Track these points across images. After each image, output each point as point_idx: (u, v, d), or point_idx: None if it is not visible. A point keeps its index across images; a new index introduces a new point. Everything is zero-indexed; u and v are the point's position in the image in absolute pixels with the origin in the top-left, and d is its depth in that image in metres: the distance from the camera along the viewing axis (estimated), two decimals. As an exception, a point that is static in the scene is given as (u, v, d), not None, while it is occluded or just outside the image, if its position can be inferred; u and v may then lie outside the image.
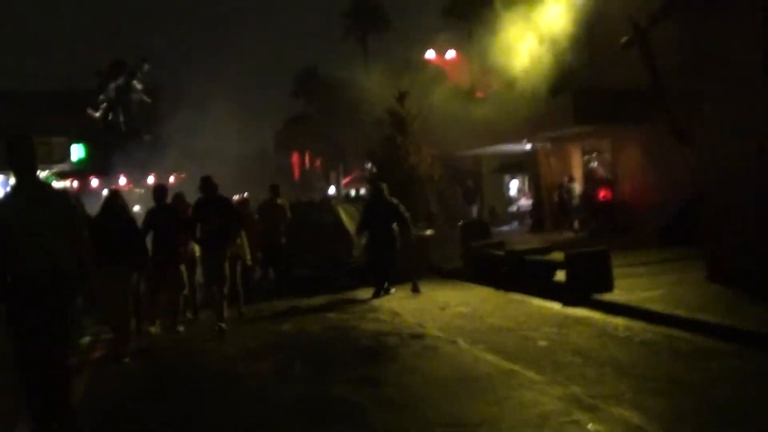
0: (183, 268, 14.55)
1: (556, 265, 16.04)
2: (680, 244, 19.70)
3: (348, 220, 20.16)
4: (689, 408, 7.72)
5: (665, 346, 10.46)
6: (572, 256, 15.35)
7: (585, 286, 14.57)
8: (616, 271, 14.97)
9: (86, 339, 13.79)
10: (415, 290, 17.52)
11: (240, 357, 11.71)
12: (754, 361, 9.55)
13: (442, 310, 14.77)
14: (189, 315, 15.60)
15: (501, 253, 18.21)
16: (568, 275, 15.17)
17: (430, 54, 39.10)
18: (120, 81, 42.33)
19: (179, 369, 11.40)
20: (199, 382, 10.39)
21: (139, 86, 42.96)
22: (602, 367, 9.44)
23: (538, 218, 31.87)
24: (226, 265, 14.16)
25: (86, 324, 14.66)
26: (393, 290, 17.60)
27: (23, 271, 6.83)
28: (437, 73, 39.22)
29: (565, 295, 14.67)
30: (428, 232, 20.75)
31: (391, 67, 41.95)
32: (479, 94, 35.63)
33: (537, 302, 15.01)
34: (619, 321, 12.42)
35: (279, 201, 19.32)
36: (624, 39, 22.59)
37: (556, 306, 14.34)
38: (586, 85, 25.76)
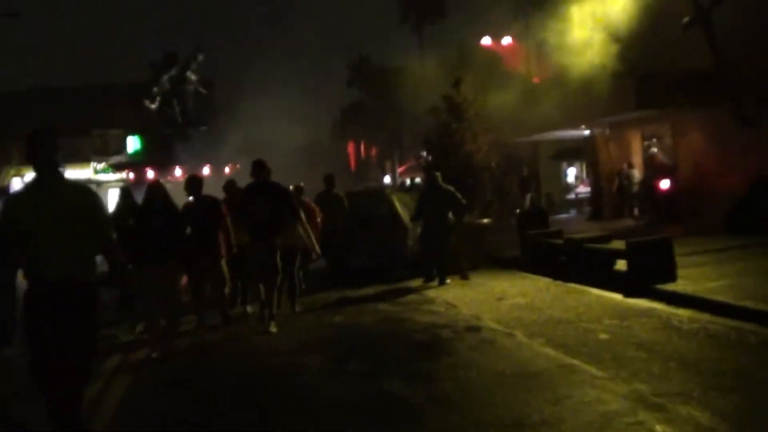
0: (223, 262, 13.62)
1: (616, 254, 15.51)
2: (745, 232, 19.11)
3: (402, 209, 19.80)
4: (761, 407, 7.28)
5: (733, 340, 9.97)
6: (633, 244, 14.83)
7: (647, 276, 14.07)
8: (679, 261, 14.45)
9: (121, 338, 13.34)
10: (464, 278, 17.35)
11: (291, 351, 11.38)
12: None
13: (498, 301, 14.38)
14: (237, 308, 15.08)
15: (559, 241, 17.74)
16: (629, 265, 14.65)
17: (486, 40, 38.55)
18: (174, 72, 42.26)
19: (225, 366, 11.02)
20: (248, 378, 10.05)
21: (193, 77, 42.87)
22: (667, 362, 8.98)
23: (596, 206, 31.25)
24: (277, 256, 12.97)
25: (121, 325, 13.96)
26: (449, 280, 17.22)
27: (41, 278, 6.18)
28: (493, 59, 38.75)
29: (626, 285, 14.18)
30: (485, 220, 20.33)
31: (446, 55, 41.68)
32: (536, 80, 35.06)
33: (597, 293, 14.53)
34: (683, 313, 11.93)
35: (335, 192, 18.89)
36: (686, 19, 22.04)
37: (616, 297, 13.86)
38: (647, 68, 25.08)
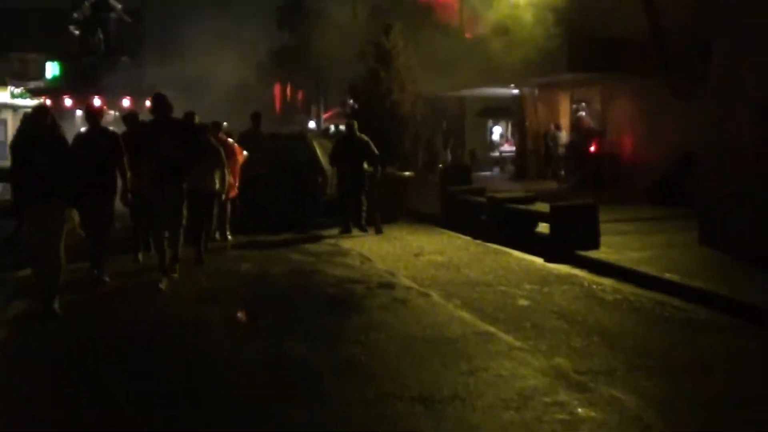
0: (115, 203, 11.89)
1: (539, 217, 14.94)
2: (669, 203, 18.77)
3: (324, 155, 19.02)
4: (686, 391, 6.74)
5: (658, 315, 9.45)
6: (557, 208, 14.29)
7: (569, 241, 13.55)
8: (603, 227, 13.93)
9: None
10: (378, 232, 16.81)
11: (189, 302, 10.54)
12: (754, 338, 8.57)
13: (415, 257, 13.71)
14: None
15: (481, 199, 17.11)
16: (552, 228, 14.12)
17: (422, -9, 37.64)
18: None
19: (114, 318, 9.95)
20: (135, 332, 9.12)
21: (117, 5, 41.17)
22: (590, 335, 8.41)
23: (520, 165, 30.71)
24: (183, 205, 11.43)
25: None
26: (369, 231, 16.76)
27: None
28: (426, 11, 37.91)
29: (548, 249, 13.65)
30: (406, 173, 19.58)
31: (379, 2, 40.68)
32: (468, 35, 34.31)
33: (517, 255, 13.97)
34: (606, 282, 11.41)
35: (262, 131, 17.91)
36: (626, -17, 21.49)
37: (537, 261, 13.32)
38: (582, 31, 24.47)
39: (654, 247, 13.38)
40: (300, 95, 67.80)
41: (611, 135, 25.71)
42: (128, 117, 14.34)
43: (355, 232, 16.69)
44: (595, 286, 11.10)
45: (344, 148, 17.28)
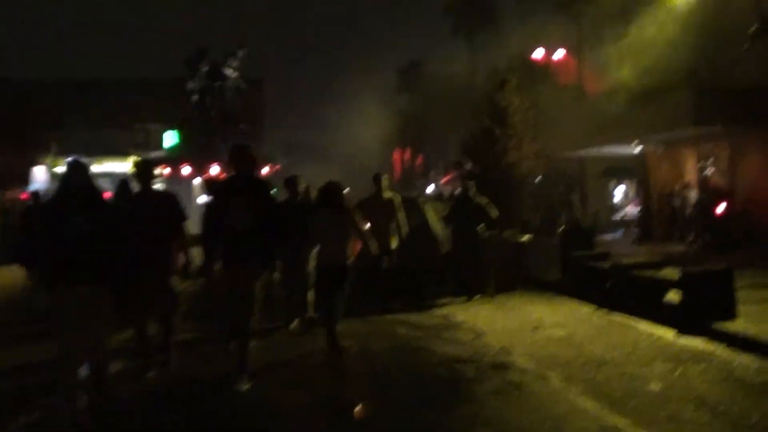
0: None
1: (669, 284, 13.54)
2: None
3: (436, 221, 18.01)
4: None
5: (814, 402, 8.08)
6: (689, 274, 12.91)
7: (703, 311, 12.19)
8: (739, 295, 12.50)
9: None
10: (489, 295, 16.06)
11: (280, 382, 9.60)
12: None
13: (533, 332, 12.47)
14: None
15: (605, 265, 15.80)
16: (683, 297, 12.72)
17: (539, 53, 36.78)
18: (208, 67, 40.73)
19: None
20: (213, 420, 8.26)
21: (233, 73, 41.28)
22: (735, 428, 7.11)
23: (645, 227, 29.06)
24: (255, 286, 9.11)
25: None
26: (478, 296, 15.86)
27: None
28: (545, 72, 37.05)
29: (679, 320, 12.27)
30: (524, 237, 18.39)
31: (497, 65, 39.97)
32: (588, 92, 33.15)
33: (645, 327, 12.61)
34: (747, 360, 10.03)
35: (386, 195, 15.17)
36: (753, 27, 20.17)
37: (668, 334, 11.96)
38: (706, 83, 23.08)
39: (799, 317, 11.92)
40: (419, 159, 67.23)
41: (742, 193, 24.01)
42: (211, 183, 13.03)
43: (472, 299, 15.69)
44: (735, 365, 9.74)
45: (459, 210, 16.48)
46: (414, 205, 18.49)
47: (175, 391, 9.16)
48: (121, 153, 41.42)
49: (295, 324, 12.81)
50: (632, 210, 33.71)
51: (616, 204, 37.79)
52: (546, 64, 37.12)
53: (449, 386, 9.05)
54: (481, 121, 19.19)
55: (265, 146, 43.53)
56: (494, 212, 16.28)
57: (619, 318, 13.51)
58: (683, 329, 11.95)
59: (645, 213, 29.39)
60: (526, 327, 12.86)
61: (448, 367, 9.97)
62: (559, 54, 36.52)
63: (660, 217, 28.03)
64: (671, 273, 13.85)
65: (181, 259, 9.88)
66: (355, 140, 68.97)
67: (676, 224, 26.81)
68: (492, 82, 25.62)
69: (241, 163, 9.20)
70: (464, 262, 16.30)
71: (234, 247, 9.02)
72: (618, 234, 32.48)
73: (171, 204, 9.90)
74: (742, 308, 12.25)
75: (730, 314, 12.12)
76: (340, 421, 7.96)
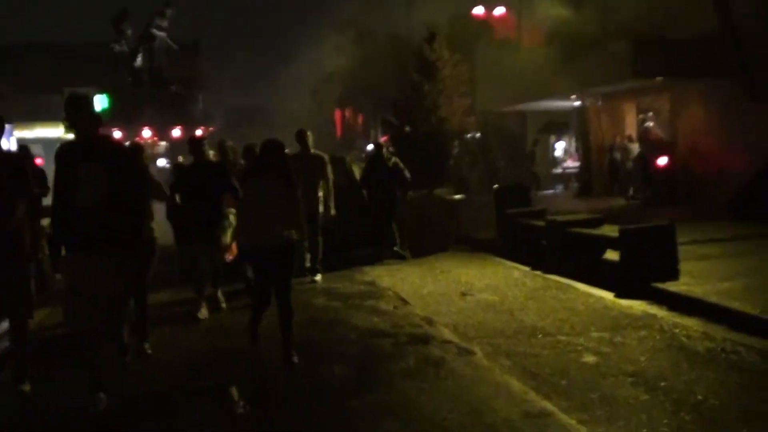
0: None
1: (607, 243, 12.61)
2: (754, 218, 16.31)
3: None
4: None
5: (765, 372, 7.17)
6: (628, 232, 11.96)
7: (644, 271, 11.29)
8: (681, 251, 11.60)
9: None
10: (400, 257, 15.43)
11: (167, 370, 8.33)
12: None
13: (461, 297, 11.43)
14: None
15: (540, 223, 14.81)
16: (622, 256, 11.80)
17: (479, 10, 35.77)
18: (131, 30, 39.11)
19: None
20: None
21: (161, 33, 39.54)
22: (679, 411, 6.16)
23: (585, 182, 28.14)
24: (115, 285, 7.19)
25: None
26: (407, 255, 15.34)
27: None
28: (485, 29, 36.10)
29: (619, 281, 11.36)
30: (456, 196, 17.36)
31: (437, 22, 38.97)
32: (526, 46, 32.13)
33: (583, 289, 11.67)
34: (691, 324, 9.13)
35: (313, 152, 13.52)
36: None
37: (607, 296, 11.03)
38: (646, 33, 22.10)
39: (745, 275, 11.07)
40: (360, 119, 65.98)
41: (683, 146, 23.16)
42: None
43: (393, 261, 14.83)
44: (678, 331, 8.82)
45: (372, 171, 15.71)
46: (342, 165, 17.35)
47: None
48: (52, 117, 40.32)
49: (203, 311, 10.57)
50: (572, 164, 32.82)
51: (557, 158, 36.91)
52: (486, 21, 36.21)
53: (358, 367, 7.84)
54: (410, 76, 17.83)
55: (197, 108, 41.90)
56: (407, 173, 15.62)
57: (554, 280, 12.55)
58: (622, 291, 11.08)
59: (584, 167, 28.42)
60: (454, 292, 11.83)
61: (360, 344, 8.81)
62: (500, 11, 35.62)
63: (600, 171, 27.15)
64: (610, 230, 12.95)
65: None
66: (296, 102, 67.77)
67: (617, 178, 25.95)
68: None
69: (79, 120, 6.90)
70: (380, 221, 15.51)
71: (76, 229, 6.80)
72: (557, 189, 31.64)
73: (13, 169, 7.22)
74: (684, 266, 11.38)
75: (673, 274, 11.24)
76: (234, 408, 6.81)
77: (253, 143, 11.59)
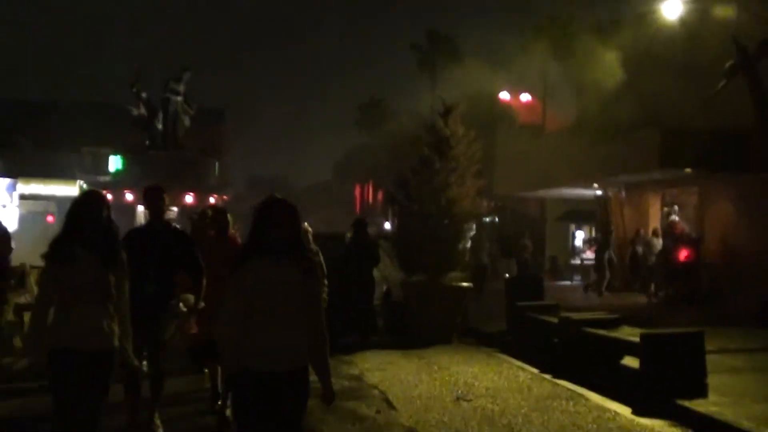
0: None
1: (626, 347, 11.10)
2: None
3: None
4: None
5: None
6: (651, 338, 10.47)
7: (667, 383, 9.75)
8: (708, 361, 10.07)
9: None
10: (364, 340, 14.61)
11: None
12: None
13: (455, 403, 9.89)
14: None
15: (553, 320, 13.30)
16: (643, 365, 10.28)
17: (504, 95, 35.03)
18: (145, 95, 38.21)
19: None
20: None
21: (176, 98, 38.55)
22: None
23: (602, 275, 26.56)
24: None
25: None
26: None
27: None
28: (509, 112, 35.21)
29: (638, 394, 9.83)
30: (464, 284, 15.86)
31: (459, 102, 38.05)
32: (549, 131, 31.05)
33: (595, 401, 10.13)
34: (723, 457, 7.58)
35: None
36: (729, 63, 18.08)
37: (623, 412, 9.51)
38: (674, 123, 20.83)
39: (781, 393, 9.55)
40: (380, 196, 65.04)
41: (710, 242, 21.66)
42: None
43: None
44: (709, 466, 7.28)
45: (352, 253, 15.04)
46: (342, 243, 15.97)
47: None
48: (68, 176, 40.10)
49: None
50: (591, 255, 31.29)
51: (576, 248, 35.41)
52: (510, 106, 35.41)
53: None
54: (421, 151, 16.40)
55: (212, 176, 41.03)
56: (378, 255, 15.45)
57: (565, 387, 11.01)
58: (641, 407, 9.55)
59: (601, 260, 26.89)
60: (449, 395, 10.30)
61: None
62: (526, 97, 34.82)
63: (621, 264, 25.62)
64: (629, 333, 11.47)
65: None
66: (316, 175, 67.49)
67: (638, 274, 24.38)
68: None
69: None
70: (359, 306, 14.82)
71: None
72: (575, 282, 30.09)
73: None
74: (712, 380, 9.90)
75: (700, 390, 9.72)
76: None
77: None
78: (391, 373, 11.70)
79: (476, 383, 11.14)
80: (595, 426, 8.80)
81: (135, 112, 38.44)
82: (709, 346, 10.67)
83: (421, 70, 53.29)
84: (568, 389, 10.87)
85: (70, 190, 39.89)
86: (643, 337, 10.48)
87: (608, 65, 22.26)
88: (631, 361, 10.82)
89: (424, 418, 9.01)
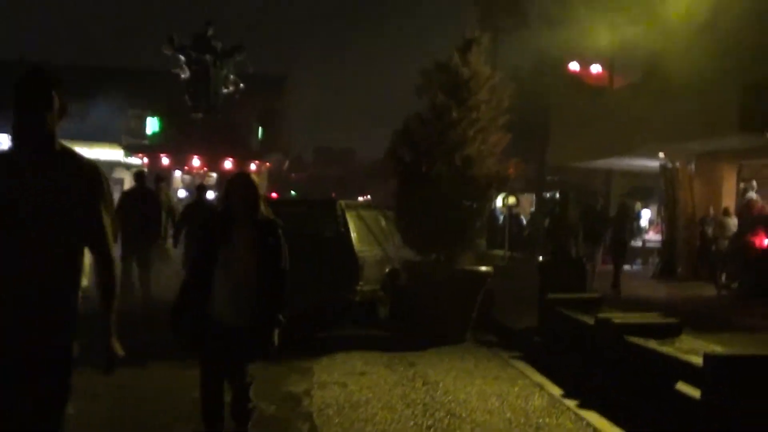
0: None
1: (682, 370, 7.60)
2: None
3: (358, 234, 12.29)
4: None
5: None
6: (719, 361, 6.98)
7: (738, 425, 6.37)
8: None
9: None
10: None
11: None
12: None
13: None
14: None
15: (589, 320, 9.80)
16: (705, 397, 6.85)
17: (574, 66, 31.82)
18: (194, 55, 35.20)
19: None
20: None
21: (206, 56, 35.18)
22: None
23: (668, 261, 22.63)
24: None
25: None
26: None
27: None
28: (576, 81, 32.02)
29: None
30: (482, 268, 12.28)
31: (523, 68, 35.28)
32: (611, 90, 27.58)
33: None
34: None
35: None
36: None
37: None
38: (758, 80, 16.97)
39: None
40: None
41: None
42: None
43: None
44: None
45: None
46: (332, 211, 12.63)
47: None
48: (112, 140, 40.00)
49: None
50: (653, 237, 27.29)
51: (641, 229, 31.31)
52: (579, 77, 32.26)
53: None
54: (432, 95, 12.46)
55: (254, 141, 38.65)
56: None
57: (591, 424, 7.48)
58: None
59: (668, 242, 22.87)
60: (420, 430, 6.92)
61: None
62: (596, 68, 31.59)
63: (687, 248, 21.75)
64: (689, 345, 8.02)
65: None
66: (381, 143, 66.07)
67: (707, 260, 20.50)
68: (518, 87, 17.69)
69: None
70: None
71: None
72: (635, 266, 26.17)
73: None
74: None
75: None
76: None
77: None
78: (350, 391, 8.28)
79: (465, 412, 7.68)
80: None
81: (182, 75, 35.58)
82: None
83: (482, 29, 50.10)
84: (596, 425, 7.37)
85: (115, 153, 39.51)
86: (708, 358, 6.99)
87: (683, 4, 18.60)
88: (689, 388, 7.40)
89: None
